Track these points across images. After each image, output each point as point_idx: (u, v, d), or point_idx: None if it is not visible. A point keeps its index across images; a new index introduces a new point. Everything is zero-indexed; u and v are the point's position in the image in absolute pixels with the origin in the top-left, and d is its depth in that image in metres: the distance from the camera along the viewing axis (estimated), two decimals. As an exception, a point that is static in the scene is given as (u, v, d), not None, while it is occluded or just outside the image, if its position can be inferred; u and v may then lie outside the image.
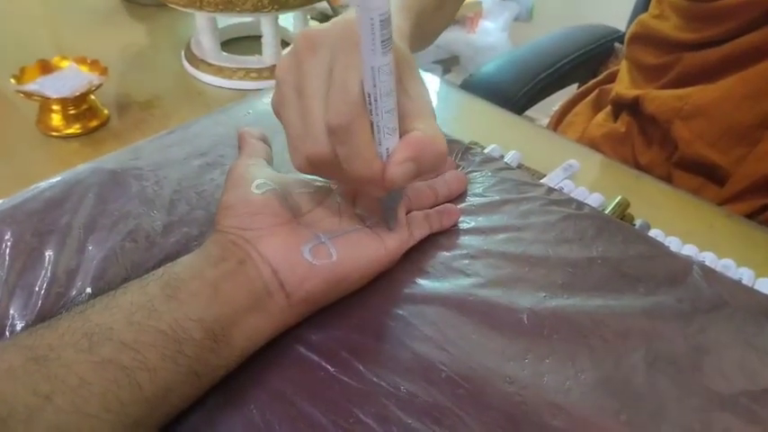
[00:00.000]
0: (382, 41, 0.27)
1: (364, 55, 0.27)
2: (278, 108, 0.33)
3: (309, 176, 0.37)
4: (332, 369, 0.32)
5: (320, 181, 0.39)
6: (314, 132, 0.30)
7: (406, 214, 0.39)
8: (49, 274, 0.35)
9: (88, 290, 0.34)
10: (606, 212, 0.47)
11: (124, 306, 0.28)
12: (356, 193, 0.39)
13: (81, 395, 0.25)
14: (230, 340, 0.30)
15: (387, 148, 0.30)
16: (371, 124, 0.30)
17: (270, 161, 0.40)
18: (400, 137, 0.30)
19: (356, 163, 0.30)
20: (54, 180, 0.41)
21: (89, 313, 0.28)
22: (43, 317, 0.32)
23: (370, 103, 0.29)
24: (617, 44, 1.01)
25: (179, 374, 0.27)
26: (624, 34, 0.96)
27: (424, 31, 0.48)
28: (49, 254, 0.36)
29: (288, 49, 0.33)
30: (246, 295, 0.31)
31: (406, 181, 0.30)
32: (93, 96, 0.58)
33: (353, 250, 0.35)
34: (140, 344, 0.27)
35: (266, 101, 0.49)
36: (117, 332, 0.27)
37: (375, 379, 0.31)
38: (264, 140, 0.42)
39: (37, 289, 0.34)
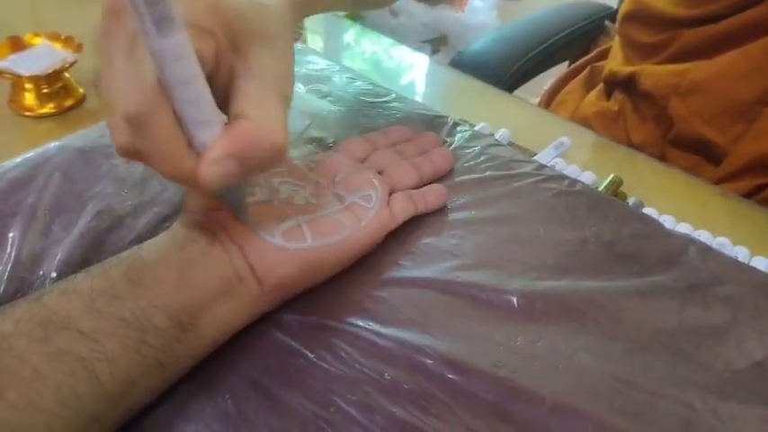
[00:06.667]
0: (155, 21, 0.21)
1: (143, 36, 0.21)
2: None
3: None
4: (311, 355, 0.30)
5: (297, 159, 0.38)
6: (115, 121, 0.25)
7: (389, 195, 0.38)
8: (12, 258, 0.33)
9: (53, 274, 0.33)
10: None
11: (84, 292, 0.26)
12: (335, 171, 0.37)
13: (35, 389, 0.23)
14: (198, 329, 0.28)
15: (203, 142, 0.25)
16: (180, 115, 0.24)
17: None
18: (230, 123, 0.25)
19: (157, 160, 0.25)
20: (19, 159, 0.39)
21: (46, 300, 0.26)
22: (5, 303, 0.31)
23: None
24: (607, 22, 0.99)
25: (142, 365, 0.26)
26: (615, 11, 0.94)
27: None
28: (12, 236, 0.34)
29: None
30: (215, 281, 0.29)
31: (228, 181, 0.25)
32: (67, 74, 0.56)
33: (330, 233, 0.33)
34: (100, 333, 0.25)
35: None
36: (75, 320, 0.25)
37: (357, 366, 0.30)
38: None
39: (-1, 273, 0.32)
